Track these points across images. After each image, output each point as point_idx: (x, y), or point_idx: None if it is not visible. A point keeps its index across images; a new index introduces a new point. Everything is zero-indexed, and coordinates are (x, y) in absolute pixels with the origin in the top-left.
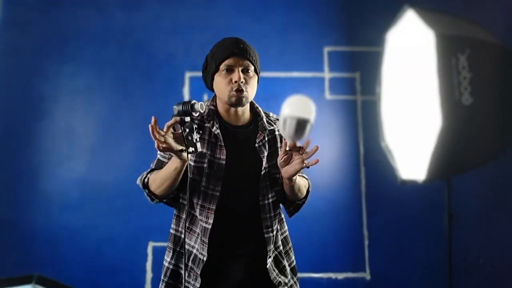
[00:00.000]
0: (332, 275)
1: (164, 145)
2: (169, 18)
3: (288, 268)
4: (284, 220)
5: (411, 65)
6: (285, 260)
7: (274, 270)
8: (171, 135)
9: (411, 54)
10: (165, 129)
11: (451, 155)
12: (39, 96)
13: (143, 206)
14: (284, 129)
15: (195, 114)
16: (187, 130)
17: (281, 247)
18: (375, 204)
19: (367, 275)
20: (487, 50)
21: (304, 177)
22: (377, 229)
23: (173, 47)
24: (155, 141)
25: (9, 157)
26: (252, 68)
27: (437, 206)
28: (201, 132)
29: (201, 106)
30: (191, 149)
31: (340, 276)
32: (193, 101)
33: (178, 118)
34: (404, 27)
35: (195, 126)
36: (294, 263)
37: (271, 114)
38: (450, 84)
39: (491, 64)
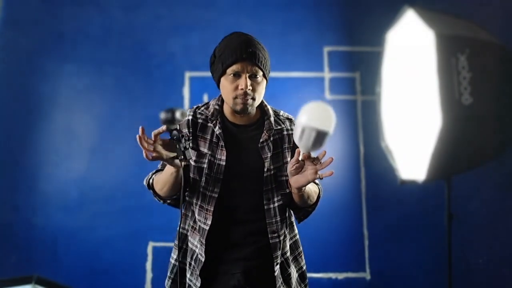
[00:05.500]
0: (332, 275)
1: (154, 154)
2: (169, 18)
3: (295, 276)
4: (294, 224)
5: (411, 65)
6: (291, 267)
7: (280, 278)
8: (161, 142)
9: (411, 54)
10: (153, 138)
11: (451, 155)
12: (38, 96)
13: (142, 206)
14: (300, 139)
15: (177, 123)
16: (174, 138)
17: (288, 253)
18: (375, 204)
19: (367, 275)
20: (487, 50)
21: (315, 183)
22: (377, 229)
23: (173, 47)
24: (143, 151)
25: (7, 158)
26: (260, 73)
27: (437, 206)
28: (190, 138)
29: (182, 114)
30: (181, 157)
31: (340, 276)
32: (174, 109)
33: (164, 127)
34: (404, 27)
35: (181, 134)
36: (304, 268)
37: (281, 113)
38: (450, 84)
39: (491, 64)
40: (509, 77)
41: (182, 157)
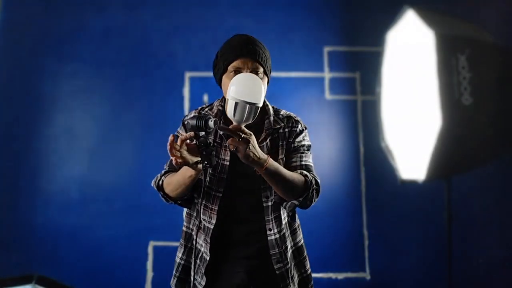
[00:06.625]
0: (332, 275)
1: (180, 160)
2: (169, 18)
3: (297, 279)
4: (298, 229)
5: (411, 65)
6: (294, 270)
7: (288, 278)
8: (185, 147)
9: (411, 54)
10: (179, 143)
11: (451, 155)
12: (39, 96)
13: (143, 206)
14: (234, 113)
15: (209, 130)
16: (202, 144)
17: (288, 254)
18: (375, 204)
19: (367, 275)
20: (487, 50)
21: (303, 174)
22: (377, 229)
23: (173, 47)
24: (173, 158)
25: (8, 157)
26: (261, 69)
27: (437, 206)
28: (215, 144)
29: (214, 123)
30: (205, 163)
31: (340, 276)
32: (207, 117)
33: (192, 133)
34: (404, 27)
35: (209, 140)
36: (309, 271)
37: (282, 112)
38: (450, 84)
39: (491, 64)
40: (509, 77)
41: (206, 163)
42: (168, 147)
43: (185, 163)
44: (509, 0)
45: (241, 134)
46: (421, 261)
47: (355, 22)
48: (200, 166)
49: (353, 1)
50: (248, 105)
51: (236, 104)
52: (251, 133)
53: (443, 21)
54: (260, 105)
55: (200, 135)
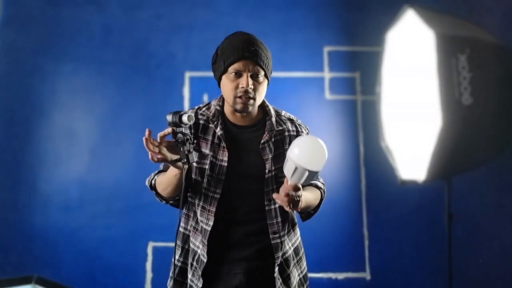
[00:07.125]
0: (332, 275)
1: (159, 156)
2: (169, 18)
3: (296, 278)
4: (297, 226)
5: (411, 65)
6: (293, 270)
7: (279, 279)
8: (165, 144)
9: (411, 54)
10: (158, 139)
11: (451, 155)
12: (38, 96)
13: (142, 206)
14: (292, 175)
15: (184, 126)
16: (179, 141)
17: (287, 254)
18: (375, 204)
19: (367, 275)
20: (487, 50)
21: (318, 187)
22: (377, 229)
23: (173, 47)
24: (149, 153)
25: (7, 157)
26: (262, 73)
27: (437, 206)
28: (195, 142)
29: (189, 118)
30: (184, 160)
31: (340, 276)
32: (182, 112)
33: (170, 129)
34: (404, 27)
35: (186, 137)
36: (305, 270)
37: (283, 113)
38: (450, 84)
39: (491, 64)
40: (509, 77)
41: (185, 160)
42: (144, 141)
43: (165, 160)
44: (510, 0)
45: (299, 194)
46: (421, 261)
47: (355, 22)
48: (180, 164)
49: (353, 1)
50: (308, 172)
51: (296, 168)
52: (301, 189)
53: (443, 21)
54: (321, 170)
55: (178, 131)
